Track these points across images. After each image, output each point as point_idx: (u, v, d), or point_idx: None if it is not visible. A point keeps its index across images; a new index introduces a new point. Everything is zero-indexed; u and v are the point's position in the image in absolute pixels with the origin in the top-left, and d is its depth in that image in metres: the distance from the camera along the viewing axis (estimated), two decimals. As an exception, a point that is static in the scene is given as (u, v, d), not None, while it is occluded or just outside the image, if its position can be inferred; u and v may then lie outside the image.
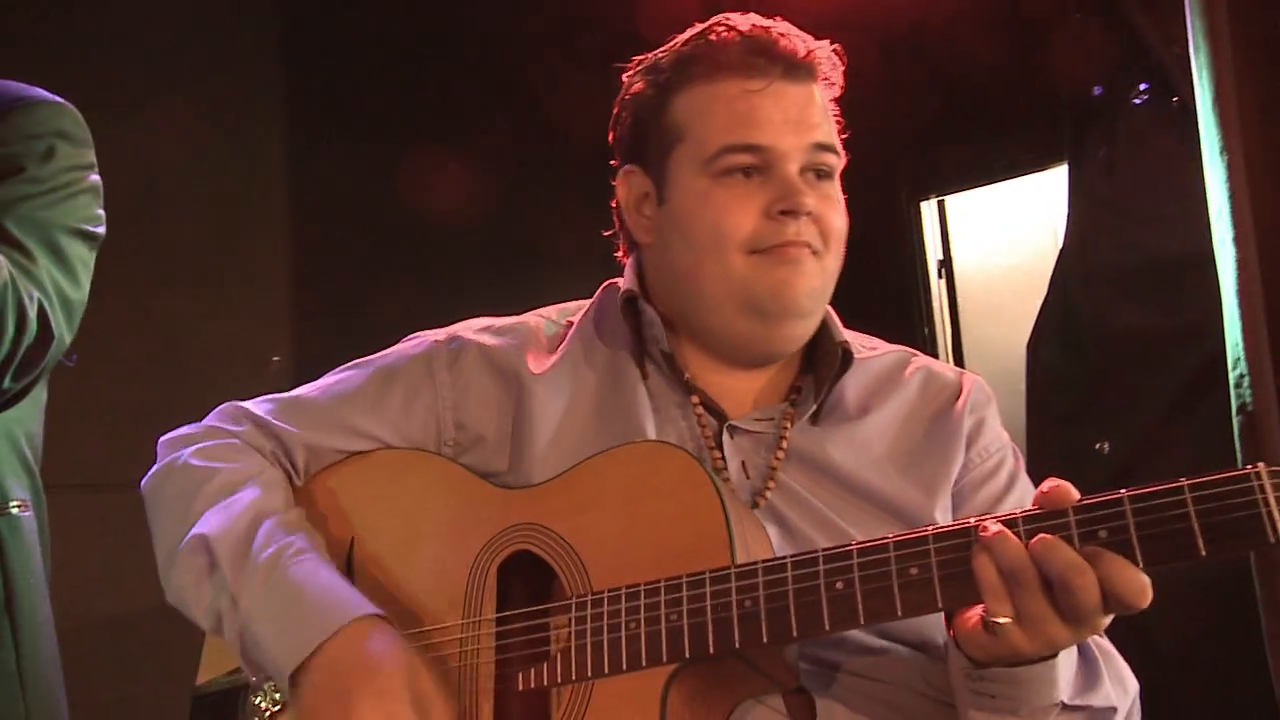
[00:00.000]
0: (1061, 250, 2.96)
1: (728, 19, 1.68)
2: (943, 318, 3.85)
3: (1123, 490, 1.25)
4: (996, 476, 1.67)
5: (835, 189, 1.67)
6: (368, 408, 1.68)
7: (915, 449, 1.66)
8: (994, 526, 1.28)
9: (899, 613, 1.30)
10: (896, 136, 3.64)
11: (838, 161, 1.67)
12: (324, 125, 4.41)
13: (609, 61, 1.80)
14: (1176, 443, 2.84)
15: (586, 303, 1.80)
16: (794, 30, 1.69)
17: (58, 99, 2.05)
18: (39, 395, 2.12)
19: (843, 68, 1.70)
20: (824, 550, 1.36)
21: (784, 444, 1.63)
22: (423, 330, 1.78)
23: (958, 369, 1.77)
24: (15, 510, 2.04)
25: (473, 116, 4.23)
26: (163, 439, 1.71)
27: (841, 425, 1.66)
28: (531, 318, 1.78)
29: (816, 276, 1.63)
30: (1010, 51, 3.52)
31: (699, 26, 1.70)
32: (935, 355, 3.75)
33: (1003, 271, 3.92)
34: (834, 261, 1.66)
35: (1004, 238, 3.94)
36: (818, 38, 1.68)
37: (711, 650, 1.34)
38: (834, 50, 1.70)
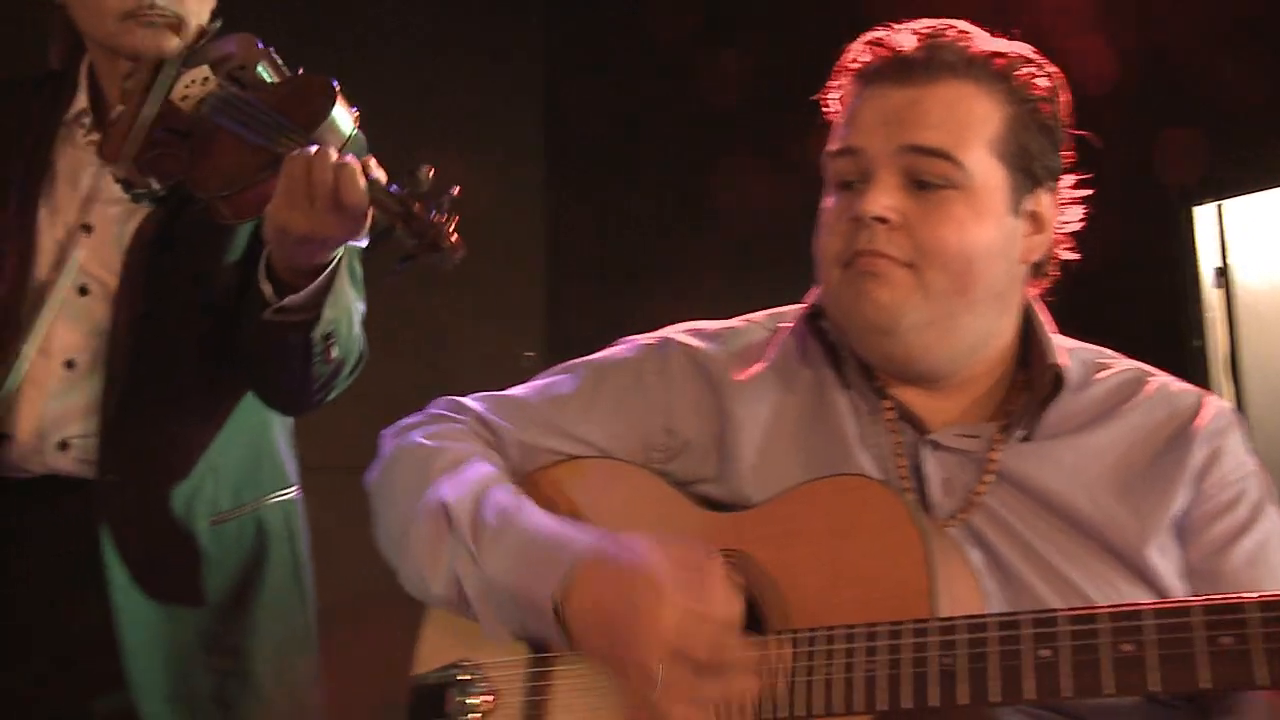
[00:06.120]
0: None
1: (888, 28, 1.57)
2: (1218, 329, 3.58)
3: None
4: (1234, 510, 1.50)
5: (947, 201, 1.49)
6: (578, 412, 1.68)
7: (1137, 475, 1.51)
8: None
9: (1111, 689, 1.20)
10: (1167, 136, 3.40)
11: (950, 169, 1.48)
12: (578, 137, 4.61)
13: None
14: None
15: (799, 307, 1.72)
16: (922, 29, 1.53)
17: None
18: None
19: (1009, 62, 1.52)
20: (1031, 613, 1.27)
21: (992, 466, 1.53)
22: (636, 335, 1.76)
23: (1199, 390, 1.58)
24: (295, 492, 2.23)
25: (725, 128, 4.25)
26: (386, 431, 1.75)
27: (1058, 441, 1.53)
28: (740, 323, 1.73)
29: (902, 290, 1.49)
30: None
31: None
32: (1205, 368, 3.52)
33: (1294, 282, 3.60)
34: (941, 278, 1.49)
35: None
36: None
37: (906, 705, 1.29)
38: (997, 51, 1.52)
